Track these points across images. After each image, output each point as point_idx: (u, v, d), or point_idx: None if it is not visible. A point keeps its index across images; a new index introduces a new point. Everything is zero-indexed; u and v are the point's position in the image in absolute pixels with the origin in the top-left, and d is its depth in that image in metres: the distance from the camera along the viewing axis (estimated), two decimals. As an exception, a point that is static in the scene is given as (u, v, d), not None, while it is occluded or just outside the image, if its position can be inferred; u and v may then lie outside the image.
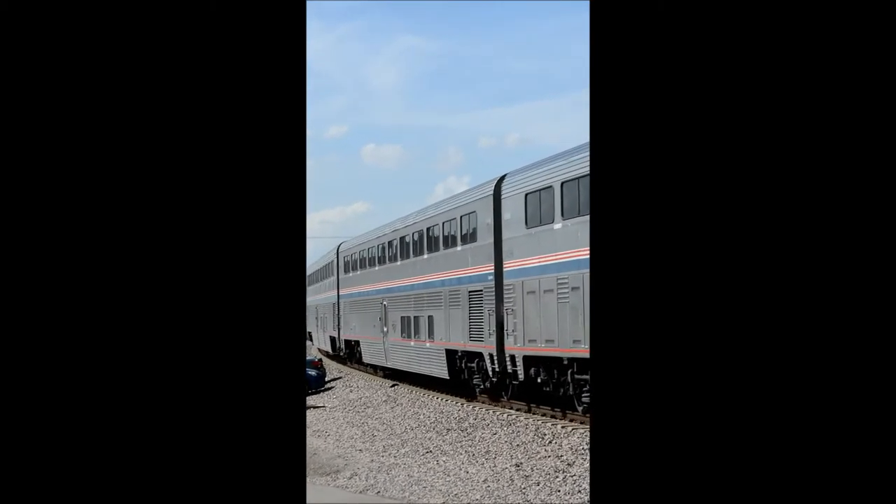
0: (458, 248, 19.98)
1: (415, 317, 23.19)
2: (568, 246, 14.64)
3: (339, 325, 34.67)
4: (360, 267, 30.45)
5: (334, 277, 35.68)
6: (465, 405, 19.47)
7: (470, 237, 19.24)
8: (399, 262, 25.22)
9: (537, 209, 15.92)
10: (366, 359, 29.91)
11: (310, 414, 21.98)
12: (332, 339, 37.51)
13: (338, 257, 34.89)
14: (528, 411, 17.18)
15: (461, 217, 19.83)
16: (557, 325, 14.97)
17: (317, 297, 43.37)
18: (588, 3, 4.99)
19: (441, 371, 21.32)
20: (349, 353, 33.73)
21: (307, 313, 44.15)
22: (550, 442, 14.24)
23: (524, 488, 11.45)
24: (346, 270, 33.05)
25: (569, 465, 12.34)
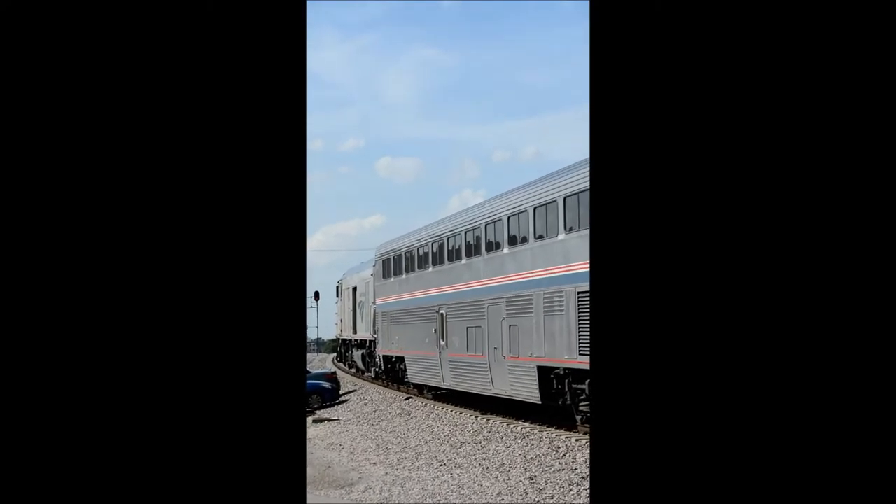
0: None
1: None
2: None
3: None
4: None
5: (561, 235, 15.56)
6: (478, 418, 19.41)
7: None
8: None
9: None
10: None
11: (324, 427, 22.00)
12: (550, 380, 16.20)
13: None
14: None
15: None
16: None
17: (413, 294, 24.90)
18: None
19: None
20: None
21: (375, 321, 30.74)
22: (564, 455, 14.21)
23: (538, 501, 11.43)
24: None
25: (583, 478, 12.31)
